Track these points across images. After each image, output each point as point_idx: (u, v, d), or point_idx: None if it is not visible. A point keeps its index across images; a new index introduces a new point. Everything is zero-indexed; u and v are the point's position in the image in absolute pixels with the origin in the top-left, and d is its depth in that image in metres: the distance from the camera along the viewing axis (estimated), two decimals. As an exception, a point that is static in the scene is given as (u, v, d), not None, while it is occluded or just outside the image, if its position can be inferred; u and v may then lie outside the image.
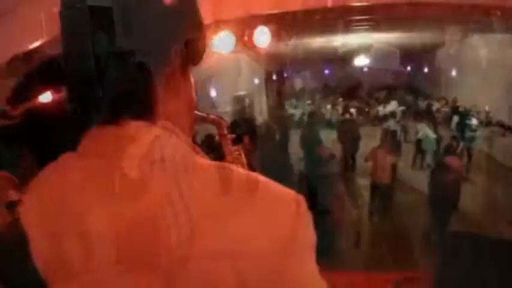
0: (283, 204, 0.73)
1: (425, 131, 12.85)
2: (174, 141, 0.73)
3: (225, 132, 1.45)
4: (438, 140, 12.16)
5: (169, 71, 0.77)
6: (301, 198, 0.74)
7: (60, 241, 0.68)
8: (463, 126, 11.17)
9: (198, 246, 0.65)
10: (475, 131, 10.46)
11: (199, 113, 1.36)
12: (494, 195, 9.06)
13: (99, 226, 0.67)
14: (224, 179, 0.70)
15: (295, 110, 22.09)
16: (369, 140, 10.28)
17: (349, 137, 11.97)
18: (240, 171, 0.75)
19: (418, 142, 12.74)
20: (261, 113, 18.65)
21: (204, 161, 0.76)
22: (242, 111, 15.97)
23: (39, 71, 0.72)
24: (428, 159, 12.17)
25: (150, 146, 0.69)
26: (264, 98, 21.37)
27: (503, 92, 13.56)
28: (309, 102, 24.64)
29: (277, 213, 0.71)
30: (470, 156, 11.46)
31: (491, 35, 14.55)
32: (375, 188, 8.25)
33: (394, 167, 8.31)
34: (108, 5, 0.67)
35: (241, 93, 15.92)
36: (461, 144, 9.87)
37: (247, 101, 16.45)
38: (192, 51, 0.84)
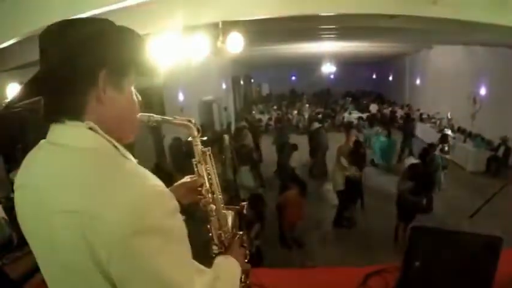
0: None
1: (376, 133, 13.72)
2: (91, 135, 1.05)
3: (195, 134, 1.51)
4: (391, 143, 13.00)
5: (97, 88, 1.06)
6: None
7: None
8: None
9: None
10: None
11: (167, 118, 1.47)
12: (457, 195, 9.51)
13: None
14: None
15: (262, 115, 22.18)
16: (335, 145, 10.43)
17: (318, 144, 12.08)
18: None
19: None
20: (228, 117, 18.67)
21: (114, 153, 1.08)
22: (209, 116, 15.98)
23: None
24: (376, 158, 12.93)
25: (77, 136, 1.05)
26: (231, 103, 21.38)
27: (464, 100, 14.05)
28: (275, 107, 24.74)
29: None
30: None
31: (453, 46, 15.09)
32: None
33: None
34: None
35: (210, 97, 15.90)
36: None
37: (214, 105, 16.44)
38: (125, 71, 1.14)
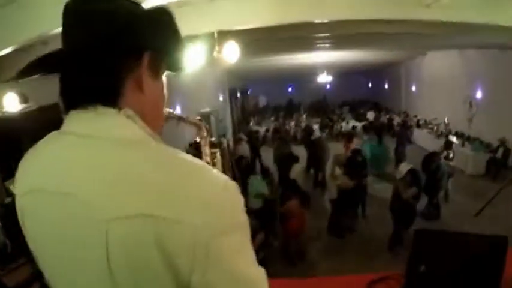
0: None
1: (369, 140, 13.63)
2: (131, 125, 0.90)
3: (205, 135, 1.50)
4: (383, 149, 12.99)
5: (137, 73, 0.93)
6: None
7: None
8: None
9: None
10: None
11: (181, 115, 1.44)
12: (457, 199, 9.51)
13: None
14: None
15: (259, 127, 22.20)
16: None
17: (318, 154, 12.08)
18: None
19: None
20: (224, 129, 18.67)
21: (156, 144, 0.92)
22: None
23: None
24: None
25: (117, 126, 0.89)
26: (228, 115, 21.38)
27: (461, 104, 14.09)
28: (272, 119, 24.80)
29: None
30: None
31: (447, 52, 15.18)
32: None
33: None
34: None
35: (207, 109, 15.90)
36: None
37: (212, 117, 16.43)
38: (165, 60, 1.01)
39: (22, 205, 0.96)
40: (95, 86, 0.90)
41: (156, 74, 0.99)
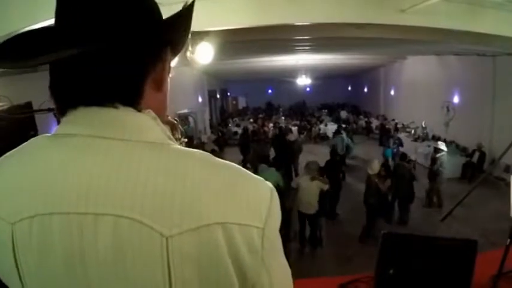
0: None
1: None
2: (156, 127, 0.77)
3: (179, 136, 1.43)
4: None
5: (159, 69, 0.81)
6: None
7: None
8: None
9: None
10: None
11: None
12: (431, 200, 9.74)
13: None
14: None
15: (238, 128, 22.13)
16: (311, 157, 10.40)
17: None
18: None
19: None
20: (204, 131, 18.59)
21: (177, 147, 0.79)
22: (186, 129, 15.86)
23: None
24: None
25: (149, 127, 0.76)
26: (207, 116, 21.30)
27: (438, 108, 14.27)
28: (251, 120, 24.70)
29: None
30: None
31: (426, 57, 15.37)
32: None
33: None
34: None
35: (185, 110, 15.80)
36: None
37: (190, 118, 16.33)
38: (175, 52, 0.90)
39: (14, 235, 0.71)
40: (117, 80, 0.75)
41: (169, 71, 0.88)
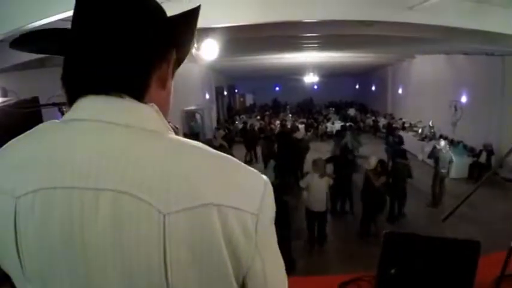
0: None
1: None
2: (159, 120, 0.83)
3: None
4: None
5: (164, 68, 0.87)
6: None
7: None
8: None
9: None
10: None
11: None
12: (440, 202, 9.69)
13: None
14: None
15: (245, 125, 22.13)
16: (317, 155, 10.39)
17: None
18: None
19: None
20: (211, 128, 18.59)
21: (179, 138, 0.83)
22: (193, 125, 15.89)
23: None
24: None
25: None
26: (214, 113, 21.32)
27: (446, 108, 14.17)
28: (258, 117, 24.66)
29: None
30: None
31: (434, 56, 15.26)
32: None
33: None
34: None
35: (192, 107, 15.81)
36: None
37: (197, 115, 16.36)
38: (180, 54, 0.95)
39: (17, 208, 0.75)
40: (126, 75, 0.81)
41: (173, 71, 0.94)
